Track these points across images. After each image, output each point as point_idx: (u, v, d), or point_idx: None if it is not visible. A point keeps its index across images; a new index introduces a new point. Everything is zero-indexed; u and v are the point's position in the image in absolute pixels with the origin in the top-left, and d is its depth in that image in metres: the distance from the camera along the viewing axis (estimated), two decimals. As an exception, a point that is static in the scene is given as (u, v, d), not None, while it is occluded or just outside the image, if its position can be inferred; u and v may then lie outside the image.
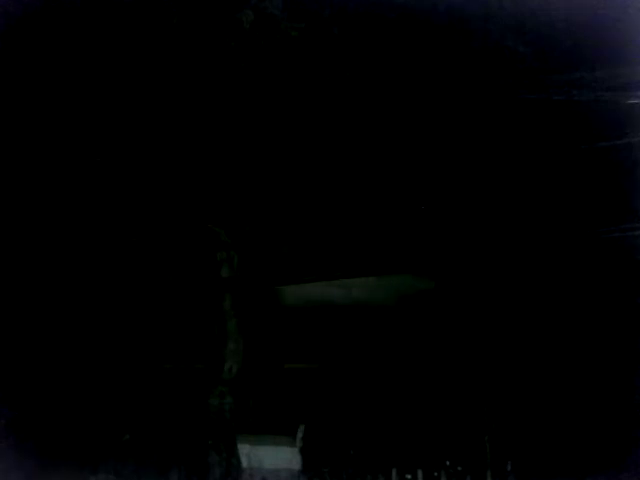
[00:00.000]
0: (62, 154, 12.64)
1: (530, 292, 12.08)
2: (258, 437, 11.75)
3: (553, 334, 11.91)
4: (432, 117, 12.18)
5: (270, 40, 12.35)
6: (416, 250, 12.60)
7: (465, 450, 11.33)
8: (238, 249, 12.87)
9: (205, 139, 12.54)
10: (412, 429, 11.77)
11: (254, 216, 12.87)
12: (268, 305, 13.12)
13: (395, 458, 11.30)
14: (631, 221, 11.61)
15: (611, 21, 11.52)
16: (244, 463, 11.64)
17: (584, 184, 11.89)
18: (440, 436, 11.62)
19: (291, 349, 13.03)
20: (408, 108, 12.20)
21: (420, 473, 11.05)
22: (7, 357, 12.73)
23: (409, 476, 11.03)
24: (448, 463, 11.11)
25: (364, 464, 11.39)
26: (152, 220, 12.91)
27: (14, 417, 12.31)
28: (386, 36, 12.15)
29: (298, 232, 12.94)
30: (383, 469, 11.21)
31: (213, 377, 12.60)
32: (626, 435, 10.99)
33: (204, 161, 12.57)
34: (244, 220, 12.85)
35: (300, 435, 11.73)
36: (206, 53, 12.40)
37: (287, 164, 12.65)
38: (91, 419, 12.38)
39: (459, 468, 11.00)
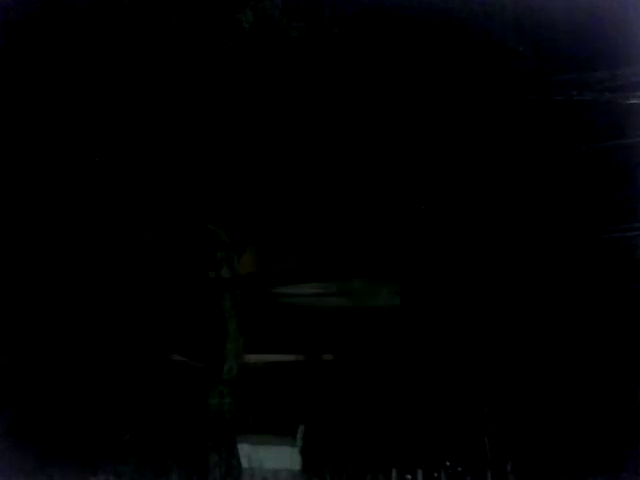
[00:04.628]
0: (62, 154, 12.63)
1: (531, 292, 12.09)
2: (258, 437, 11.75)
3: (553, 334, 11.92)
4: (432, 117, 12.18)
5: (270, 40, 12.34)
6: (417, 249, 12.61)
7: (465, 450, 11.33)
8: (238, 249, 12.87)
9: (205, 139, 12.53)
10: (412, 429, 11.77)
11: (254, 217, 12.88)
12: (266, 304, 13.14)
13: (395, 458, 11.30)
14: (631, 221, 11.62)
15: (611, 21, 11.52)
16: (244, 463, 11.62)
17: (584, 184, 11.90)
18: (440, 436, 11.62)
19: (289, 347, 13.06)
20: (408, 108, 12.20)
21: (420, 473, 11.05)
22: (7, 358, 12.74)
23: (409, 476, 11.02)
24: (448, 463, 11.10)
25: (364, 464, 11.39)
26: (153, 220, 12.90)
27: (14, 417, 12.31)
28: (386, 36, 12.14)
29: (297, 232, 12.95)
30: (383, 469, 11.20)
31: (213, 377, 12.60)
32: (626, 435, 10.99)
33: (204, 161, 12.56)
34: (244, 220, 12.85)
35: (300, 435, 11.73)
36: (205, 53, 12.39)
37: (286, 164, 12.65)
38: (91, 419, 12.37)
39: (459, 468, 11.00)
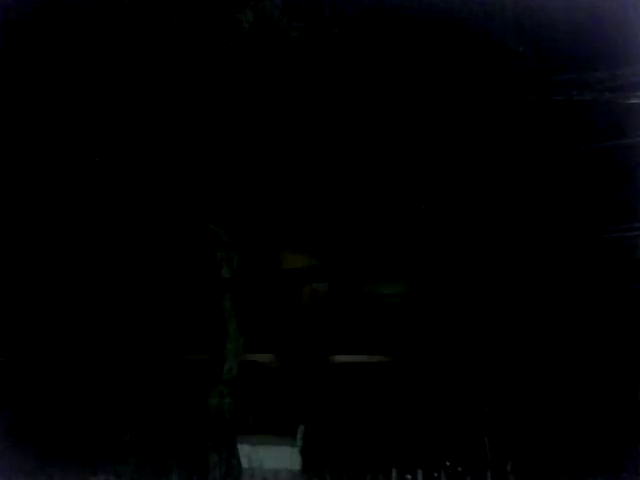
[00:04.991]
0: (62, 154, 12.64)
1: (531, 292, 12.09)
2: (258, 437, 11.76)
3: (553, 334, 11.92)
4: (432, 117, 12.18)
5: (270, 40, 12.34)
6: (424, 246, 12.63)
7: (465, 450, 11.34)
8: (238, 249, 12.87)
9: (205, 139, 12.53)
10: (412, 429, 11.78)
11: (254, 216, 12.88)
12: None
13: (395, 458, 11.31)
14: (631, 221, 11.62)
15: (611, 21, 11.53)
16: (244, 463, 11.63)
17: (584, 184, 11.90)
18: (440, 436, 11.63)
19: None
20: (408, 108, 12.20)
21: (420, 473, 11.06)
22: (7, 357, 12.75)
23: (409, 476, 11.03)
24: (448, 463, 11.11)
25: (364, 464, 11.39)
26: (153, 220, 12.90)
27: (14, 417, 12.31)
28: (386, 36, 12.14)
29: (296, 231, 12.96)
30: (383, 469, 11.21)
31: (213, 377, 12.59)
32: (626, 435, 11.00)
33: (204, 161, 12.57)
34: (244, 220, 12.86)
35: (300, 435, 11.73)
36: (205, 53, 12.39)
37: (287, 164, 12.65)
38: (91, 419, 12.38)
39: (459, 468, 11.01)
